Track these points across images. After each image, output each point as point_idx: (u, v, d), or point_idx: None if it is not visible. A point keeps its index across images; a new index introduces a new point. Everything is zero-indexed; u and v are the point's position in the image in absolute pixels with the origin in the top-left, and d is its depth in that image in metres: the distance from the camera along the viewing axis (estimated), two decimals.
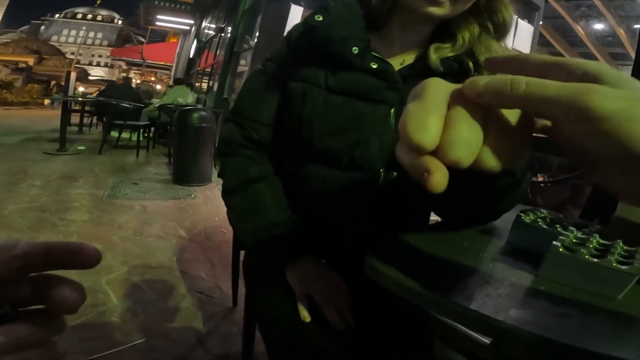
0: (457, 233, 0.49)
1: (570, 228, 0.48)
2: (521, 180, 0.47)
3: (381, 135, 0.61)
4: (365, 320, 0.62)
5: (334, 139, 0.63)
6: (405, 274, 0.34)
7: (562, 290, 0.37)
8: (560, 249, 0.40)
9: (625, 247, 0.44)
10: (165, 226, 2.49)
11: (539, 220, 0.52)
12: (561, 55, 5.78)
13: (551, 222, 0.52)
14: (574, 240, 0.44)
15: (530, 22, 3.51)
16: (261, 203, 0.66)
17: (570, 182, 1.71)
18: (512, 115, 0.24)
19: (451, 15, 0.59)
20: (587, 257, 0.39)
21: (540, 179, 1.70)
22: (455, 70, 0.61)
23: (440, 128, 0.22)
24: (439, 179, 0.21)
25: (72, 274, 0.19)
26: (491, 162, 0.23)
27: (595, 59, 5.73)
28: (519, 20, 3.31)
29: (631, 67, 1.02)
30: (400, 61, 0.66)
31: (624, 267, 0.38)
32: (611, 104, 0.19)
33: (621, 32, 4.89)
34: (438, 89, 0.23)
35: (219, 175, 0.73)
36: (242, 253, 0.89)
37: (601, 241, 0.46)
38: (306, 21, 0.67)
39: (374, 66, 0.61)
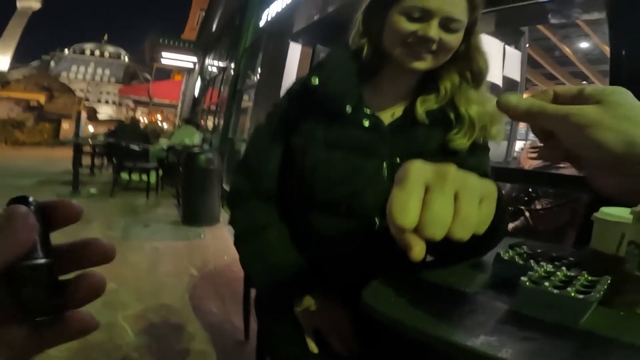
0: (446, 270, 0.56)
1: (542, 263, 0.56)
2: (498, 225, 0.55)
3: (375, 187, 0.68)
4: (368, 348, 0.68)
5: (332, 191, 0.69)
6: (395, 309, 0.42)
7: (531, 318, 0.45)
8: (527, 283, 0.47)
9: (589, 278, 0.52)
10: (176, 265, 2.57)
11: (516, 256, 0.59)
12: (552, 75, 5.96)
13: (528, 258, 0.60)
14: (542, 274, 0.52)
15: (517, 47, 3.65)
16: (269, 247, 0.72)
17: (568, 207, 1.78)
18: (478, 190, 0.31)
19: (434, 67, 0.67)
20: (550, 288, 0.47)
21: (539, 206, 1.77)
22: (439, 121, 0.69)
23: (418, 210, 0.29)
24: (417, 252, 0.29)
25: (91, 310, 0.21)
26: (460, 234, 0.30)
27: (585, 77, 5.88)
28: (506, 46, 3.46)
29: None
30: (391, 113, 0.73)
31: (581, 296, 0.46)
32: (592, 115, 0.27)
33: (607, 50, 5.08)
34: (417, 174, 0.30)
35: (230, 223, 0.79)
36: (253, 290, 0.95)
37: (568, 273, 0.53)
38: (304, 82, 0.73)
39: (366, 123, 0.68)
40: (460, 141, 0.68)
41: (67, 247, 0.22)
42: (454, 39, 0.65)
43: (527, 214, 1.75)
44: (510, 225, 1.65)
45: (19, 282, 0.19)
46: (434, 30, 0.63)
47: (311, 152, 0.70)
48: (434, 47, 0.64)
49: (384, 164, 0.69)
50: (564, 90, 0.31)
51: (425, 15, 0.63)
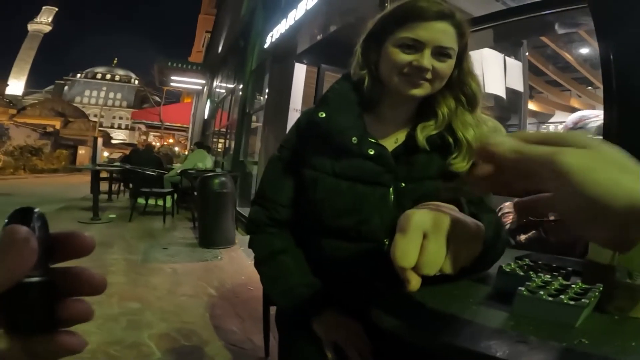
0: (451, 284, 0.62)
1: (539, 274, 0.62)
2: (493, 245, 0.61)
3: (382, 212, 0.72)
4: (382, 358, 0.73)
5: (342, 219, 0.74)
6: (402, 319, 0.49)
7: (527, 323, 0.50)
8: (525, 292, 0.53)
9: (582, 286, 0.58)
10: (195, 286, 2.65)
11: (517, 268, 0.65)
12: (556, 82, 5.98)
13: (529, 269, 0.66)
14: (539, 284, 0.58)
15: (517, 57, 3.71)
16: (286, 270, 0.78)
17: None
18: (467, 234, 0.39)
19: (431, 93, 0.72)
20: (544, 297, 0.53)
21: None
22: (439, 146, 0.73)
23: (417, 254, 0.37)
24: (413, 285, 0.37)
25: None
26: (449, 270, 0.38)
27: (589, 82, 5.88)
28: (506, 58, 3.52)
29: None
30: (394, 139, 0.78)
31: (572, 302, 0.52)
32: (575, 160, 0.24)
33: None
34: (417, 224, 0.38)
35: (249, 247, 0.86)
36: (272, 308, 1.02)
37: (563, 282, 0.59)
38: (311, 116, 0.78)
39: (371, 152, 0.72)
40: (460, 165, 0.72)
41: (63, 270, 0.22)
42: (446, 66, 0.70)
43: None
44: (523, 237, 1.69)
45: (12, 298, 0.19)
46: (427, 59, 0.68)
47: (320, 183, 0.75)
48: (429, 75, 0.69)
49: (390, 190, 0.73)
50: (530, 136, 0.29)
51: (418, 46, 0.68)
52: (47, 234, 0.21)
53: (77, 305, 0.22)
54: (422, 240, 0.38)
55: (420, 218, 0.38)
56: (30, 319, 0.20)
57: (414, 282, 0.37)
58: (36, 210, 0.21)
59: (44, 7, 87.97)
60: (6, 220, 0.20)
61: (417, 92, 0.71)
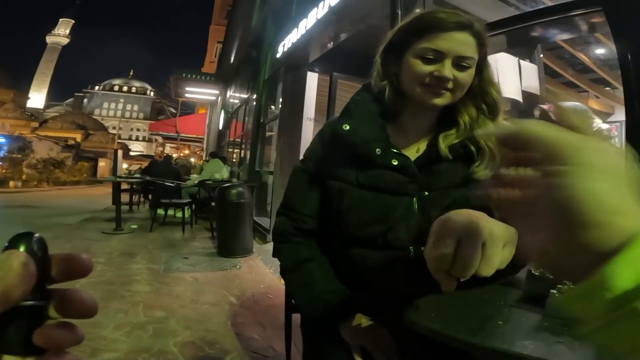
0: (480, 288, 0.63)
1: None
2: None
3: (408, 221, 0.72)
4: None
5: (368, 228, 0.74)
6: (436, 323, 0.51)
7: (562, 324, 0.51)
8: (557, 294, 0.55)
9: None
10: (217, 294, 2.69)
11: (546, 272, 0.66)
12: (573, 84, 5.87)
13: None
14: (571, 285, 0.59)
15: (531, 60, 3.67)
16: (313, 278, 0.78)
17: None
18: (501, 238, 0.40)
19: (452, 102, 0.73)
20: None
21: None
22: (461, 155, 0.74)
23: (451, 257, 0.38)
24: (449, 287, 0.39)
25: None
26: (484, 272, 0.40)
27: (607, 83, 5.75)
28: (521, 61, 3.49)
29: None
30: (416, 149, 0.78)
31: None
32: (581, 181, 0.21)
33: None
34: (451, 228, 0.40)
35: (275, 256, 0.86)
36: (294, 316, 1.02)
37: None
38: (334, 128, 0.78)
39: (395, 163, 0.73)
40: (484, 172, 0.71)
41: (58, 292, 0.22)
42: (467, 76, 0.71)
43: None
44: None
45: (6, 321, 0.20)
46: (448, 69, 0.69)
47: (346, 194, 0.76)
48: (450, 85, 0.70)
49: (414, 199, 0.74)
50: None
51: (438, 56, 0.69)
52: (46, 258, 0.22)
53: (64, 330, 0.22)
54: (457, 244, 0.40)
55: (454, 223, 0.41)
56: (21, 341, 0.20)
57: (449, 285, 0.39)
58: (36, 235, 0.21)
59: (60, 20, 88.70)
60: (6, 244, 0.20)
61: (439, 101, 0.71)
